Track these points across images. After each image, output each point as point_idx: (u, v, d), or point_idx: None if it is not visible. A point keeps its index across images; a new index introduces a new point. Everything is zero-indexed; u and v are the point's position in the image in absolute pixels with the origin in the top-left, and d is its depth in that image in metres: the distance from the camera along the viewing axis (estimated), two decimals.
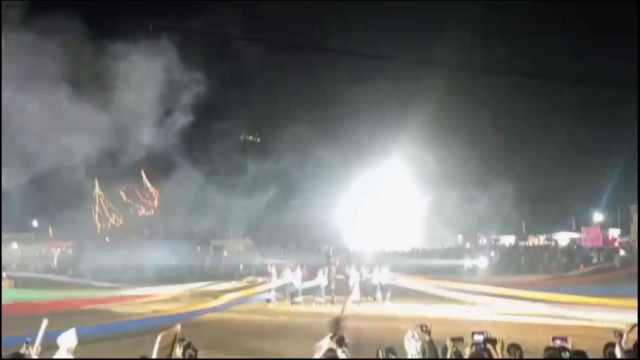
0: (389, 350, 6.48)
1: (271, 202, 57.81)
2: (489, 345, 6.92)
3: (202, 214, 55.20)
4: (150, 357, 7.51)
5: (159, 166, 61.68)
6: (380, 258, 35.29)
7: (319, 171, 53.41)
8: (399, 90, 51.62)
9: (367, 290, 24.10)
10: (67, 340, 8.18)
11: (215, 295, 23.37)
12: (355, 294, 23.32)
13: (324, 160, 51.82)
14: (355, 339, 9.15)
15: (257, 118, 58.46)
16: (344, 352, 7.24)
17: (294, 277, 24.43)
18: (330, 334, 7.29)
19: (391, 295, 23.46)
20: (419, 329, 7.71)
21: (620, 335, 7.11)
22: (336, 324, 8.30)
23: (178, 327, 8.26)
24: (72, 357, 8.10)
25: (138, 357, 7.14)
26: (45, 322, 8.44)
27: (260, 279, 27.68)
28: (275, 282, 24.68)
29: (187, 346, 7.61)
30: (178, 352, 7.56)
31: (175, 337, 8.05)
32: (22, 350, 8.05)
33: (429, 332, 7.65)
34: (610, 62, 45.49)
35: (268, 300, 23.52)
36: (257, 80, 57.56)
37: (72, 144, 34.66)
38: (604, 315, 15.46)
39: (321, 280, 23.88)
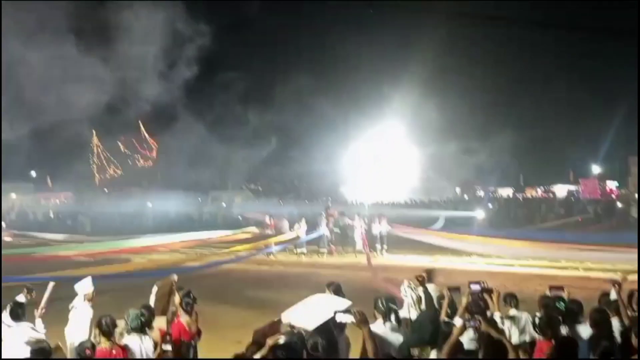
0: (389, 299, 6.51)
1: (270, 154, 57.87)
2: (485, 295, 6.97)
3: (202, 165, 55.28)
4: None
5: (159, 117, 61.61)
6: (378, 209, 35.38)
7: (318, 123, 53.30)
8: (399, 42, 51.16)
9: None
10: (84, 288, 8.28)
11: (222, 248, 23.45)
12: (363, 243, 23.48)
13: (323, 112, 51.67)
14: (354, 289, 9.21)
15: (258, 70, 58.00)
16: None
17: (299, 230, 24.60)
18: (329, 287, 7.29)
19: (389, 246, 23.60)
20: (414, 279, 7.77)
21: (618, 284, 7.15)
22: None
23: (174, 276, 8.33)
24: (89, 304, 8.22)
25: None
26: (51, 285, 8.50)
27: (262, 231, 27.76)
28: (285, 236, 24.87)
29: (186, 294, 7.67)
30: (177, 300, 7.64)
31: (171, 286, 8.12)
32: (21, 297, 8.11)
33: (424, 282, 7.70)
34: (611, 12, 44.69)
35: (269, 253, 23.55)
36: (258, 32, 57.04)
37: (72, 95, 34.47)
38: (602, 258, 15.59)
39: (324, 230, 24.01)
